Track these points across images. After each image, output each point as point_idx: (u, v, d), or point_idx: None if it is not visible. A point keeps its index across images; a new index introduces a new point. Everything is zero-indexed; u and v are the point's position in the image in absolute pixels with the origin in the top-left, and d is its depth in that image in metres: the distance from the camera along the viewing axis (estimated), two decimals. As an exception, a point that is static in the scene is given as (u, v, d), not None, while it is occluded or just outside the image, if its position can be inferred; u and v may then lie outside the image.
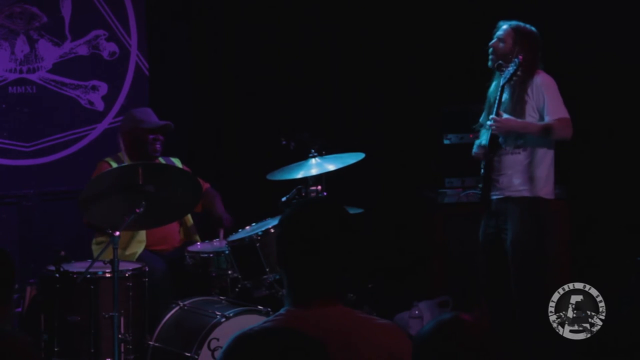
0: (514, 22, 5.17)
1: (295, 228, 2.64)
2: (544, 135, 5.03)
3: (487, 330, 2.20)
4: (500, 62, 5.12)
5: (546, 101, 5.04)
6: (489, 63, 5.20)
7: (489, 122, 5.07)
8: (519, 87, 5.06)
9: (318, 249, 2.59)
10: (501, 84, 5.05)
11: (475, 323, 2.20)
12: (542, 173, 5.09)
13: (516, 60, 4.97)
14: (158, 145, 5.44)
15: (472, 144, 5.36)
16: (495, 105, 5.06)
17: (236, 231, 5.30)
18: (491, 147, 5.11)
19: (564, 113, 5.04)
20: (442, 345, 2.18)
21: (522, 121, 5.04)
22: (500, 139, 5.12)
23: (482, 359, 2.17)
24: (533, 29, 5.16)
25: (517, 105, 5.07)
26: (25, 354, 2.16)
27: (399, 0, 6.87)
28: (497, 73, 5.18)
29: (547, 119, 5.03)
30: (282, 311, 2.64)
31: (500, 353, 2.19)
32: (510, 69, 4.99)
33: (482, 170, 5.20)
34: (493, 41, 5.18)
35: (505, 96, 5.10)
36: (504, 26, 5.18)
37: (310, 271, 2.60)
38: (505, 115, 5.04)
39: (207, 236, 5.61)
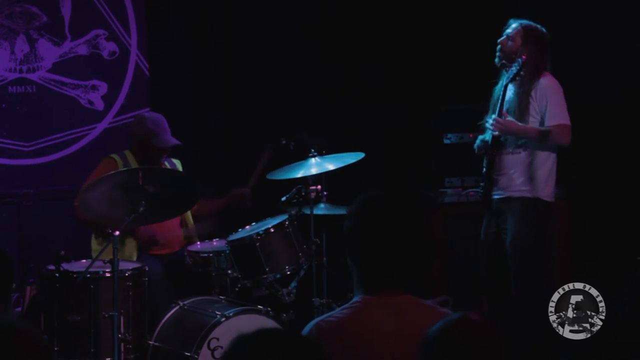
0: (524, 21, 5.14)
1: (370, 219, 2.76)
2: (543, 140, 5.01)
3: (497, 329, 2.21)
4: (504, 61, 5.11)
5: (549, 105, 5.02)
6: (496, 60, 5.17)
7: (490, 121, 5.06)
8: (524, 87, 5.05)
9: (392, 240, 2.72)
10: (504, 83, 5.04)
11: (484, 322, 2.20)
12: (543, 174, 5.08)
13: (519, 60, 4.96)
14: (164, 159, 5.45)
15: (472, 144, 5.36)
16: (498, 105, 5.05)
17: (236, 231, 5.30)
18: (493, 145, 5.10)
19: (565, 119, 5.02)
20: (451, 345, 2.18)
21: (523, 125, 5.01)
22: (502, 138, 5.11)
23: (491, 358, 2.17)
24: (543, 29, 5.13)
25: (520, 106, 5.06)
26: (38, 349, 2.14)
27: None
28: (504, 72, 5.17)
29: (547, 123, 5.02)
30: (357, 299, 2.76)
31: (509, 352, 2.19)
32: (514, 68, 4.97)
33: (484, 169, 5.20)
34: (502, 38, 5.15)
35: (509, 95, 5.09)
36: (514, 24, 5.15)
37: (384, 261, 2.73)
38: (509, 117, 5.02)
39: (207, 236, 5.61)
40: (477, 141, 5.27)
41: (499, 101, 5.05)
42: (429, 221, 6.19)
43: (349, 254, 2.78)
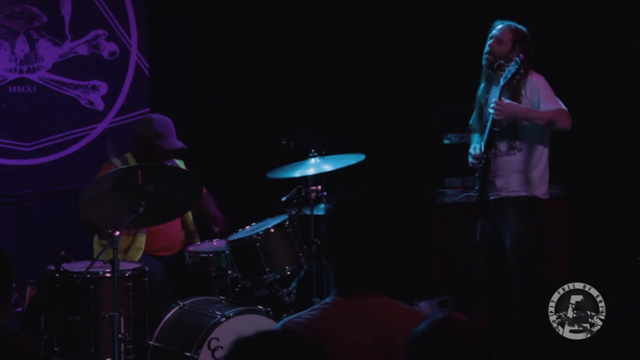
0: (511, 23, 5.15)
1: (345, 220, 2.71)
2: (547, 123, 4.99)
3: (481, 329, 2.22)
4: (501, 61, 5.09)
5: (541, 97, 5.01)
6: (484, 62, 5.16)
7: (491, 106, 5.03)
8: (513, 87, 5.04)
9: (367, 241, 2.67)
10: (501, 84, 5.02)
11: (468, 323, 2.21)
12: (537, 173, 5.09)
13: (517, 59, 4.94)
14: (168, 160, 5.43)
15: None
16: (494, 98, 5.03)
17: (236, 231, 5.30)
18: (488, 145, 5.08)
19: (561, 105, 5.02)
20: (434, 344, 2.19)
21: (525, 106, 5.01)
22: (496, 140, 5.09)
23: (474, 358, 2.18)
24: (525, 29, 5.14)
25: None
26: (30, 355, 2.15)
27: (399, 0, 6.88)
28: (486, 74, 5.17)
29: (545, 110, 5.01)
30: (328, 300, 2.71)
31: (492, 353, 2.20)
32: (512, 68, 4.95)
33: (477, 173, 5.18)
34: (491, 41, 5.14)
35: (494, 97, 5.07)
36: (500, 26, 5.15)
37: (358, 263, 2.68)
38: (507, 101, 5.00)
39: (207, 236, 5.61)
40: (470, 157, 5.25)
41: (498, 93, 5.03)
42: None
43: (325, 255, 2.74)
